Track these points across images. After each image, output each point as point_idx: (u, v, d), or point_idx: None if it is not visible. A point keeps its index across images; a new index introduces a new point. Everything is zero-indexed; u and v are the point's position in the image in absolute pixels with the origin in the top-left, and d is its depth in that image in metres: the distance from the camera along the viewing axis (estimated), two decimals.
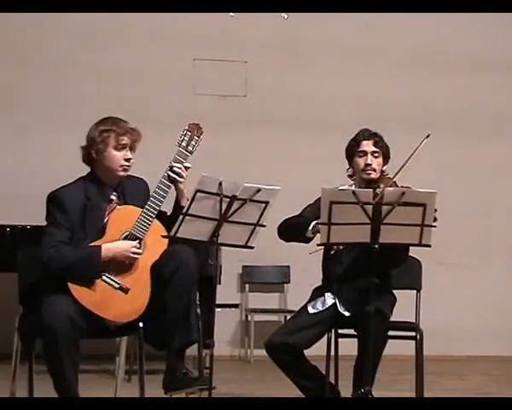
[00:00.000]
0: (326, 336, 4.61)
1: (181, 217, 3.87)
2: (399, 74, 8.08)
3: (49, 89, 7.62)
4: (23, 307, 4.21)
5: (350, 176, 4.70)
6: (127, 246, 3.93)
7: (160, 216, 4.07)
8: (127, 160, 4.04)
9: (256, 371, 6.94)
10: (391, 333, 4.53)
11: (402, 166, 4.33)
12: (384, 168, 4.65)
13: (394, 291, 4.72)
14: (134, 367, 5.91)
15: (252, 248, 4.09)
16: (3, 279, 5.94)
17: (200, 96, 7.84)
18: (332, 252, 4.61)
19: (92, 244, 3.94)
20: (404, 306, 4.85)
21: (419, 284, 5.10)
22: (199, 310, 5.49)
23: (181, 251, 3.91)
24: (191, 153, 4.12)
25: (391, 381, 6.17)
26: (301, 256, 4.99)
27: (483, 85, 8.11)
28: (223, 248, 5.17)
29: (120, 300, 3.89)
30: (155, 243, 3.98)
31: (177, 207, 4.07)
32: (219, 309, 4.95)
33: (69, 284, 3.83)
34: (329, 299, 4.60)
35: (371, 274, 4.12)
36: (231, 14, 7.87)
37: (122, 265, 3.94)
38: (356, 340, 4.46)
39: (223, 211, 3.92)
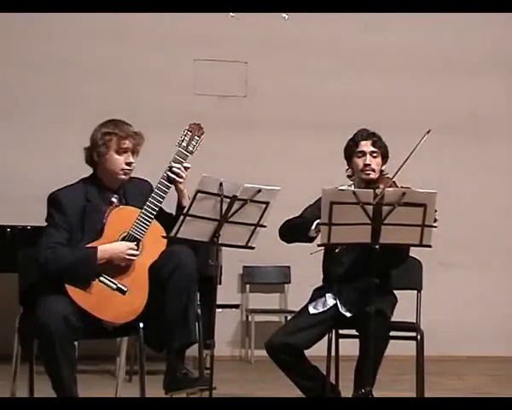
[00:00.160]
0: (327, 336, 4.61)
1: (181, 217, 3.87)
2: (399, 74, 8.08)
3: (49, 89, 7.62)
4: (23, 307, 4.20)
5: (349, 176, 4.70)
6: (123, 247, 3.93)
7: (164, 217, 4.07)
8: (128, 164, 4.03)
9: (256, 372, 6.94)
10: (392, 333, 4.52)
11: (402, 164, 4.33)
12: (383, 168, 4.64)
13: (395, 291, 4.72)
14: (135, 368, 5.91)
15: (252, 248, 4.09)
16: (4, 280, 5.94)
17: (200, 96, 7.84)
18: (336, 250, 4.59)
19: (89, 245, 3.93)
20: (404, 306, 4.85)
21: (420, 284, 5.10)
22: (199, 310, 5.51)
23: (179, 251, 3.90)
24: (191, 153, 4.12)
25: (391, 381, 6.17)
26: (302, 257, 4.99)
27: (483, 85, 8.12)
28: (223, 248, 5.17)
29: (118, 301, 3.89)
30: (154, 243, 3.97)
31: (179, 207, 4.07)
32: (220, 310, 4.95)
33: (66, 286, 3.83)
34: (330, 299, 4.60)
35: (372, 275, 4.12)
36: (231, 14, 7.87)
37: (119, 266, 3.93)
38: (357, 340, 4.45)
39: (223, 211, 3.92)
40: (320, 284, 4.76)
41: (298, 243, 4.60)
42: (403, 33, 8.08)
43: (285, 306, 7.94)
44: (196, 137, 4.13)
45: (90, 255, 3.88)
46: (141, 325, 3.94)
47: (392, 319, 4.63)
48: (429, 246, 4.10)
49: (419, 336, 4.78)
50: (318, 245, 4.28)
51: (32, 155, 7.54)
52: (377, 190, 4.10)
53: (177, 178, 4.06)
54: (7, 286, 5.40)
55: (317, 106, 7.95)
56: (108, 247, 3.92)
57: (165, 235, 3.98)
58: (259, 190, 3.95)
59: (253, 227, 4.02)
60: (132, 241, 3.96)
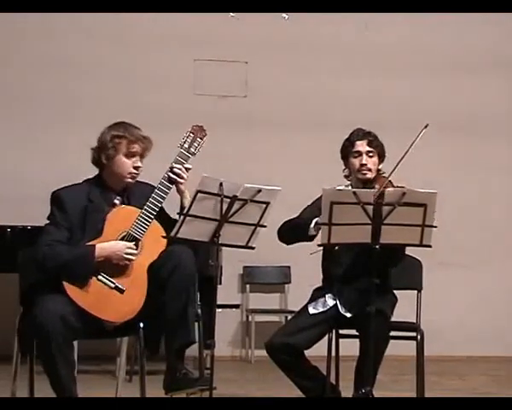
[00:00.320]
0: (327, 336, 4.61)
1: (182, 217, 3.87)
2: (399, 74, 8.07)
3: (50, 90, 7.62)
4: (24, 307, 4.20)
5: (346, 176, 4.69)
6: (122, 246, 3.93)
7: (164, 218, 4.07)
8: (136, 168, 4.05)
9: (257, 372, 6.94)
10: (392, 334, 4.52)
11: (400, 160, 4.32)
12: (380, 167, 4.64)
13: (395, 291, 4.72)
14: (135, 368, 5.91)
15: (252, 248, 4.09)
16: (4, 280, 5.94)
17: (200, 96, 7.84)
18: (336, 248, 4.58)
19: (87, 244, 3.94)
20: (404, 306, 4.85)
21: (420, 284, 5.10)
22: (199, 310, 5.51)
23: (179, 251, 3.90)
24: (193, 154, 4.12)
25: (391, 381, 6.17)
26: (302, 257, 4.99)
27: (483, 85, 8.12)
28: (223, 248, 5.17)
29: (116, 300, 3.89)
30: (154, 243, 3.97)
31: (182, 209, 4.06)
32: (220, 310, 4.96)
33: (64, 284, 3.83)
34: (330, 300, 4.60)
35: (372, 275, 4.12)
36: (231, 14, 7.87)
37: (118, 265, 3.93)
38: (357, 340, 4.45)
39: (223, 211, 3.92)
40: (320, 283, 4.76)
41: (298, 243, 4.60)
42: (403, 33, 8.08)
43: (285, 306, 7.94)
44: (199, 139, 4.13)
45: (87, 253, 3.88)
46: (141, 324, 3.95)
47: (393, 318, 4.63)
48: (429, 246, 4.10)
49: (419, 337, 4.78)
50: (318, 245, 4.29)
51: (32, 155, 7.55)
52: (372, 191, 4.10)
53: (178, 179, 4.06)
54: (7, 286, 5.40)
55: (316, 106, 7.95)
56: (107, 245, 3.92)
57: (164, 235, 3.98)
58: (260, 190, 3.95)
59: (253, 227, 4.02)
60: (132, 240, 3.96)
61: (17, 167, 7.50)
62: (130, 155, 4.03)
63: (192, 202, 3.87)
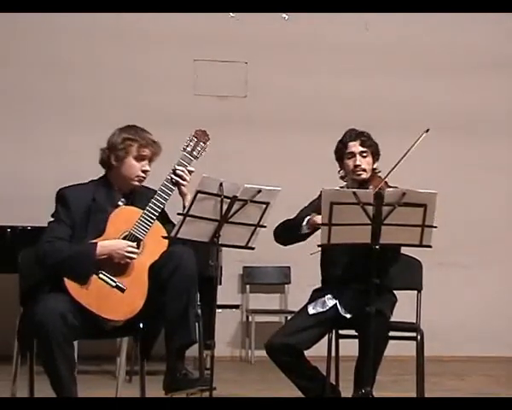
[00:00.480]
0: (327, 336, 4.61)
1: (182, 218, 3.87)
2: (399, 74, 8.07)
3: (50, 90, 7.62)
4: (24, 308, 4.20)
5: (342, 177, 4.69)
6: (123, 245, 3.94)
7: (165, 221, 4.08)
8: (144, 171, 4.08)
9: (257, 372, 6.94)
10: (392, 334, 4.53)
11: (399, 161, 4.34)
12: (375, 166, 4.64)
13: (395, 292, 4.72)
14: (135, 368, 5.91)
15: (252, 248, 4.09)
16: (4, 280, 5.94)
17: (200, 96, 7.85)
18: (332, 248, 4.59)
19: (89, 242, 3.95)
20: (404, 306, 4.85)
21: (420, 284, 5.10)
22: (200, 311, 5.51)
23: (180, 252, 3.92)
24: (196, 158, 4.16)
25: (391, 381, 6.17)
26: (302, 257, 4.99)
27: (483, 85, 8.12)
28: (223, 248, 5.17)
29: (116, 298, 3.90)
30: (155, 244, 3.99)
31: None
32: (220, 310, 4.96)
33: (65, 281, 3.84)
34: (329, 300, 4.60)
35: (372, 275, 4.12)
36: (231, 14, 7.87)
37: (119, 264, 3.94)
38: (357, 341, 4.45)
39: (223, 212, 3.92)
40: (320, 284, 4.76)
41: (298, 244, 4.60)
42: (403, 33, 8.08)
43: (285, 306, 7.94)
44: (201, 144, 4.17)
45: (89, 250, 3.90)
46: (141, 325, 3.95)
47: (393, 319, 4.63)
48: (429, 246, 4.10)
49: (419, 337, 4.78)
50: (318, 245, 4.29)
51: (32, 155, 7.55)
52: (371, 191, 4.11)
53: (181, 181, 4.09)
54: (7, 287, 5.40)
55: (316, 106, 7.95)
56: (108, 243, 3.94)
57: (165, 235, 3.98)
58: (259, 191, 3.95)
59: (253, 228, 4.02)
60: (133, 240, 3.98)
61: (17, 168, 7.51)
62: (139, 158, 4.07)
63: (192, 203, 3.87)
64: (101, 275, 3.91)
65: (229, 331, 7.88)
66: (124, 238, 3.98)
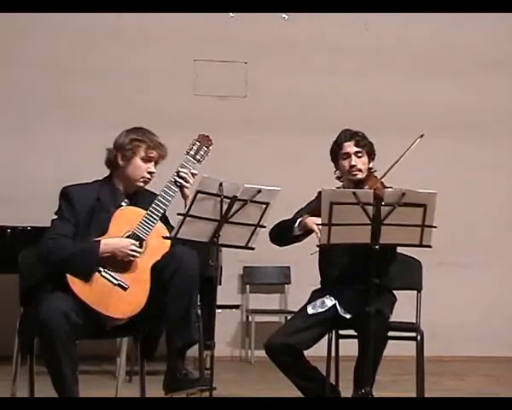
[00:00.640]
0: (327, 336, 4.62)
1: (182, 218, 3.88)
2: (399, 75, 8.08)
3: (50, 90, 7.62)
4: (24, 308, 4.21)
5: (338, 177, 4.70)
6: (127, 243, 3.96)
7: (164, 222, 4.10)
8: (150, 173, 4.11)
9: (257, 372, 6.94)
10: (392, 334, 4.53)
11: (393, 165, 4.34)
12: (371, 165, 4.64)
13: (395, 292, 4.72)
14: (135, 368, 5.91)
15: (252, 249, 4.09)
16: (4, 281, 5.94)
17: (200, 96, 7.85)
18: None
19: (93, 239, 3.97)
20: (404, 306, 4.85)
21: (420, 284, 5.10)
22: (199, 311, 5.51)
23: (182, 253, 3.93)
24: (199, 162, 4.19)
25: (391, 381, 6.17)
26: (302, 257, 4.99)
27: (483, 85, 8.12)
28: (223, 249, 5.17)
29: (118, 296, 3.91)
30: (158, 244, 4.01)
31: None
32: (220, 310, 4.96)
33: (68, 278, 3.85)
34: (329, 300, 4.60)
35: (372, 275, 4.12)
36: (231, 14, 7.87)
37: (122, 262, 3.96)
38: (356, 341, 4.45)
39: (223, 212, 3.92)
40: (320, 284, 4.77)
41: (297, 244, 4.60)
42: (403, 34, 8.08)
43: (285, 306, 7.94)
44: (205, 148, 4.21)
45: (92, 247, 3.92)
46: (142, 326, 3.96)
47: (392, 319, 4.63)
48: (429, 246, 4.10)
49: (419, 337, 4.78)
50: (317, 245, 4.29)
51: (33, 155, 7.54)
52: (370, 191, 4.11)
53: (184, 183, 4.11)
54: (7, 287, 5.40)
55: (316, 106, 7.95)
56: (111, 241, 3.96)
57: (165, 235, 4.00)
58: (259, 191, 3.95)
59: (253, 228, 4.02)
60: (136, 240, 4.00)
61: (17, 168, 7.50)
62: (146, 159, 4.11)
63: (192, 203, 3.88)
64: (103, 273, 3.92)
65: (229, 331, 7.88)
66: (127, 238, 4.00)
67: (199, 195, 3.86)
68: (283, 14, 7.96)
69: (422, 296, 5.10)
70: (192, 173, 4.14)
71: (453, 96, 8.08)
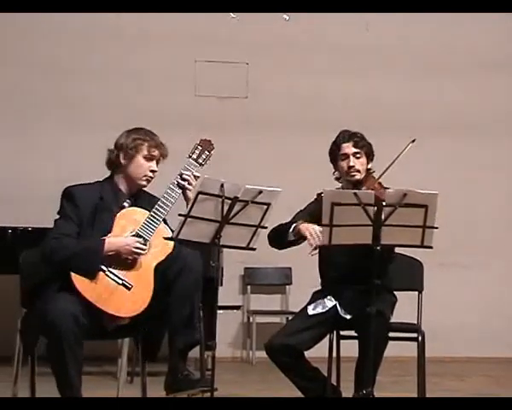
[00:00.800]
0: (328, 337, 4.62)
1: (183, 219, 3.88)
2: (399, 75, 8.08)
3: (50, 90, 7.62)
4: (28, 308, 4.21)
5: (337, 178, 4.70)
6: (131, 241, 3.98)
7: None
8: (152, 171, 4.14)
9: (258, 373, 6.94)
10: (393, 335, 4.52)
11: (385, 170, 4.36)
12: (369, 166, 4.64)
13: (396, 292, 4.72)
14: (136, 369, 5.91)
15: (253, 249, 4.09)
16: (5, 281, 5.94)
17: (201, 97, 7.85)
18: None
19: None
20: (405, 307, 4.85)
21: (420, 285, 5.10)
22: (201, 312, 5.51)
23: (186, 254, 3.96)
24: (201, 165, 4.22)
25: (392, 382, 6.17)
26: (303, 258, 4.97)
27: (483, 85, 8.12)
28: (224, 249, 5.17)
29: (122, 295, 3.92)
30: (161, 245, 4.02)
31: None
32: (221, 311, 4.94)
33: (72, 276, 3.85)
34: (329, 301, 4.60)
35: (373, 276, 4.11)
36: (232, 15, 7.87)
37: (126, 262, 3.97)
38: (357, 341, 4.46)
39: (224, 213, 3.92)
40: (321, 284, 4.77)
41: (298, 245, 4.60)
42: (403, 34, 8.08)
43: (286, 307, 7.94)
44: (206, 152, 4.24)
45: (96, 246, 3.93)
46: (144, 327, 3.96)
47: (393, 319, 4.63)
48: (430, 247, 4.09)
49: (420, 338, 4.78)
50: (314, 249, 4.30)
51: (33, 155, 7.54)
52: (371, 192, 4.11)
53: (187, 185, 4.13)
54: (8, 288, 5.40)
55: (317, 106, 7.96)
56: (116, 239, 3.98)
57: (166, 236, 4.00)
58: (261, 192, 3.95)
59: (254, 228, 4.02)
60: None
61: (17, 169, 7.50)
62: (149, 158, 4.13)
63: (193, 204, 3.88)
64: (107, 272, 3.93)
65: (231, 332, 7.88)
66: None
67: (200, 196, 3.86)
68: (284, 15, 7.96)
69: (423, 297, 5.10)
70: (194, 176, 4.17)
71: (453, 96, 8.09)
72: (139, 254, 3.98)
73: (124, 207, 4.12)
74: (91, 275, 3.88)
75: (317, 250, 4.45)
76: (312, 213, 4.55)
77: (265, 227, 4.05)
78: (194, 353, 4.50)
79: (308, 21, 7.91)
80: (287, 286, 7.97)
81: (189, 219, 3.88)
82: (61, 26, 7.58)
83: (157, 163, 4.16)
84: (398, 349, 4.78)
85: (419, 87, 8.06)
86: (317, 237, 4.30)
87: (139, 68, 7.77)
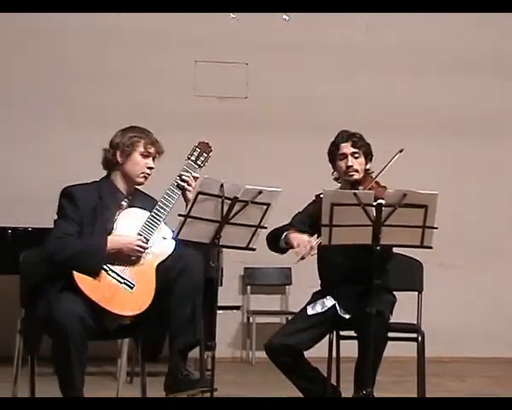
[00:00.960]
0: (328, 337, 4.62)
1: (183, 219, 3.89)
2: (399, 74, 8.07)
3: (50, 91, 7.61)
4: (25, 309, 4.20)
5: (336, 179, 4.71)
6: (133, 239, 3.99)
7: None
8: (149, 168, 4.15)
9: (257, 373, 6.94)
10: (392, 335, 4.53)
11: (376, 176, 4.37)
12: (368, 167, 4.64)
13: (396, 292, 4.72)
14: (136, 369, 5.90)
15: (253, 249, 4.10)
16: (5, 281, 5.94)
17: (200, 97, 7.84)
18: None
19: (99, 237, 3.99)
20: (405, 307, 4.85)
21: (420, 285, 5.10)
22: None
23: (188, 254, 3.96)
24: (200, 167, 4.23)
25: (392, 382, 6.17)
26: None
27: (483, 85, 8.12)
28: (224, 250, 5.17)
29: (125, 294, 3.92)
30: (163, 245, 4.03)
31: None
32: (221, 311, 4.94)
33: (75, 276, 3.85)
34: (329, 301, 4.60)
35: (373, 276, 4.12)
36: (232, 15, 7.87)
37: (128, 261, 3.98)
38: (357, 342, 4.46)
39: (224, 213, 3.93)
40: (321, 285, 4.77)
41: None
42: (403, 34, 8.08)
43: (286, 307, 7.94)
44: (205, 154, 4.25)
45: (99, 244, 3.94)
46: (145, 326, 3.97)
47: (393, 319, 4.63)
48: (430, 247, 4.10)
49: (420, 338, 4.78)
50: (300, 259, 4.32)
51: (33, 156, 7.54)
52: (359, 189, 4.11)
53: (186, 186, 4.13)
54: (8, 288, 5.40)
55: (317, 107, 7.95)
56: (118, 238, 3.99)
57: (166, 236, 4.01)
58: (260, 192, 3.95)
59: (254, 229, 4.03)
60: None
61: (18, 169, 7.50)
62: (145, 154, 4.13)
63: (193, 204, 3.89)
64: (110, 271, 3.94)
65: (230, 332, 7.88)
66: None
67: (200, 196, 3.88)
68: (284, 15, 7.96)
69: (423, 297, 5.10)
70: (194, 177, 4.17)
71: (453, 96, 8.08)
72: (141, 252, 3.98)
73: (122, 205, 4.12)
74: (95, 273, 3.88)
75: (304, 260, 4.47)
76: (311, 214, 4.56)
77: (265, 227, 4.06)
78: (194, 353, 4.49)
79: (308, 21, 7.91)
80: (287, 286, 7.96)
81: (188, 220, 3.90)
82: (60, 26, 7.58)
83: (153, 160, 4.17)
84: (397, 349, 4.78)
85: (419, 87, 8.05)
86: (304, 246, 4.31)
87: (139, 68, 7.77)
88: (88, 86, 7.67)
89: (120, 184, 4.16)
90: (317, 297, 4.66)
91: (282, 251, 4.57)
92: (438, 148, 7.78)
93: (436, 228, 4.06)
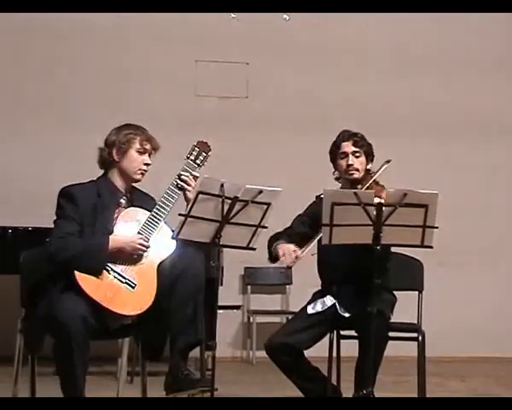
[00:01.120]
0: (328, 337, 4.62)
1: (183, 219, 3.89)
2: (399, 74, 8.07)
3: (49, 90, 7.61)
4: (25, 309, 4.20)
5: (337, 178, 4.71)
6: (135, 238, 4.00)
7: None
8: (146, 164, 4.15)
9: (258, 373, 6.94)
10: (393, 334, 4.53)
11: (368, 184, 4.38)
12: (369, 167, 4.65)
13: (396, 292, 4.72)
14: (136, 369, 5.90)
15: (254, 249, 4.10)
16: (5, 281, 5.94)
17: (201, 97, 7.84)
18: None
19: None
20: (405, 307, 4.85)
21: (421, 285, 5.10)
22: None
23: (188, 254, 3.97)
24: (199, 166, 4.23)
25: (393, 382, 6.17)
26: (303, 258, 4.99)
27: (483, 86, 8.11)
28: (224, 249, 5.18)
29: (126, 294, 3.93)
30: (163, 244, 4.03)
31: None
32: (221, 311, 4.93)
33: (77, 276, 3.84)
34: (329, 301, 4.60)
35: (373, 275, 4.12)
36: (232, 15, 7.87)
37: (130, 260, 3.98)
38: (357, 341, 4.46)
39: (225, 212, 3.93)
40: (322, 284, 4.77)
41: None
42: (403, 34, 8.08)
43: (286, 307, 7.94)
44: (204, 153, 4.25)
45: (101, 243, 3.94)
46: (146, 326, 3.98)
47: (394, 319, 4.63)
48: (431, 247, 4.09)
49: (420, 337, 4.78)
50: (287, 268, 4.34)
51: (34, 156, 7.54)
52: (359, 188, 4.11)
53: (186, 186, 4.13)
54: (8, 288, 5.40)
55: (318, 106, 7.95)
56: (119, 237, 3.99)
57: (168, 236, 4.02)
58: (261, 191, 3.95)
59: (254, 228, 4.03)
60: None
61: (18, 169, 7.50)
62: (142, 151, 4.14)
63: (193, 203, 3.89)
64: (111, 271, 3.94)
65: (231, 332, 7.88)
66: None
67: (200, 195, 3.88)
68: (284, 15, 7.96)
69: (424, 297, 5.10)
70: (194, 176, 4.17)
71: (454, 96, 8.08)
72: (143, 250, 3.99)
73: (121, 203, 4.13)
74: (97, 272, 3.89)
75: (290, 269, 4.49)
76: (313, 215, 4.56)
77: (266, 227, 4.06)
78: (195, 353, 4.50)
79: (308, 21, 7.91)
80: (287, 286, 7.96)
81: (189, 219, 3.90)
82: (60, 25, 7.58)
83: (149, 156, 4.17)
84: (398, 349, 4.78)
85: (419, 87, 8.05)
86: (289, 255, 4.37)
87: (139, 68, 7.77)
88: (88, 86, 7.66)
89: (118, 182, 4.16)
90: (317, 297, 4.66)
91: (275, 260, 4.59)
92: (438, 147, 7.77)
93: (437, 228, 4.06)
